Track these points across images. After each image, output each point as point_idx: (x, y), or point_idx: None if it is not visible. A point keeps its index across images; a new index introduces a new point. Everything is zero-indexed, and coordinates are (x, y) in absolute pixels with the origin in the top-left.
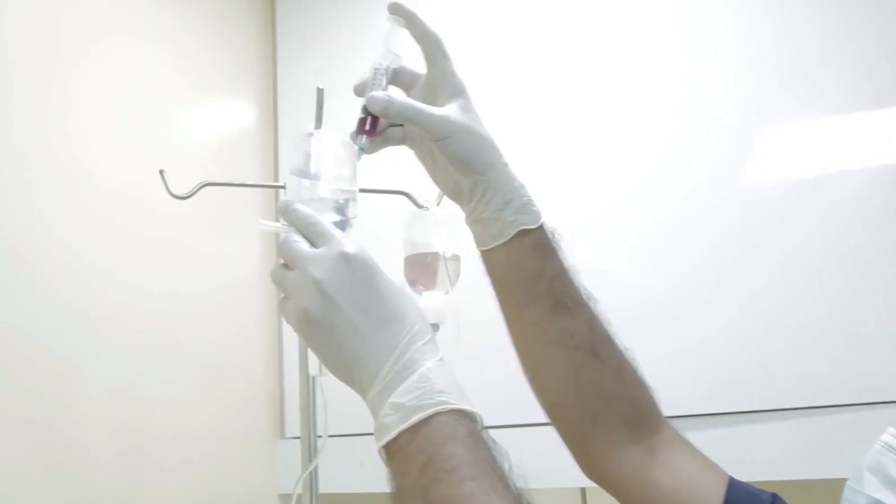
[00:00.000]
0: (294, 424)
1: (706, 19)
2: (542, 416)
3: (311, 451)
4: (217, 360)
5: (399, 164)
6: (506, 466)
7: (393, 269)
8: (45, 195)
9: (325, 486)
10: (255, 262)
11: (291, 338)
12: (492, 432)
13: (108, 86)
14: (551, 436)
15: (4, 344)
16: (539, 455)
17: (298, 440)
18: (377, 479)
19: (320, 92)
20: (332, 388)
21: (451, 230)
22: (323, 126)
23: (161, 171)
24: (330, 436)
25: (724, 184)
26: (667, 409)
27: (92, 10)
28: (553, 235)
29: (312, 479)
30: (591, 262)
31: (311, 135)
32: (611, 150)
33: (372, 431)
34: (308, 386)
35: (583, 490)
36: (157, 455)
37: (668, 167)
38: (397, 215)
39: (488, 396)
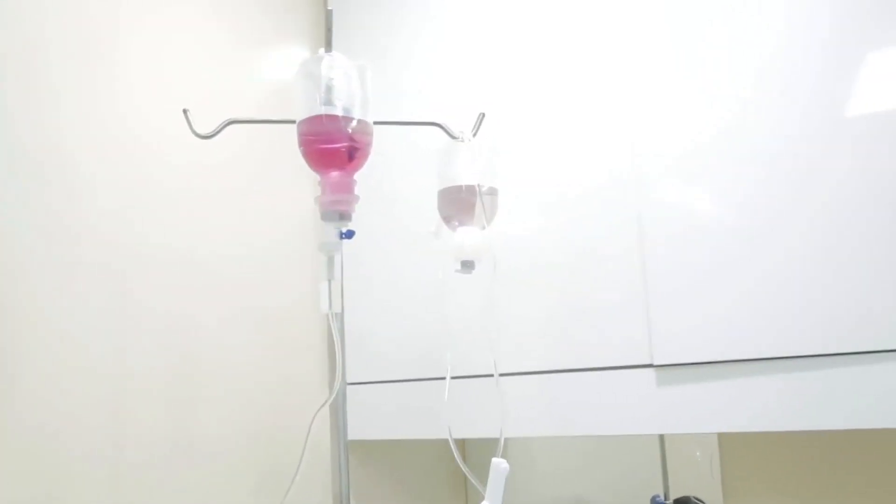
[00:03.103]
0: (355, 372)
1: None
2: (595, 360)
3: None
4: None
5: (431, 93)
6: None
7: (427, 205)
8: (94, 157)
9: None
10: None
11: (350, 291)
12: (535, 378)
13: (154, 43)
14: (607, 380)
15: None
16: (600, 401)
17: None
18: (399, 425)
19: (329, 14)
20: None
21: (487, 162)
22: (333, 49)
23: (185, 111)
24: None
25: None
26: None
27: None
28: None
29: (342, 425)
30: (687, 199)
31: (321, 58)
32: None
33: (393, 379)
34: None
35: (661, 437)
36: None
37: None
38: (431, 147)
39: (526, 336)
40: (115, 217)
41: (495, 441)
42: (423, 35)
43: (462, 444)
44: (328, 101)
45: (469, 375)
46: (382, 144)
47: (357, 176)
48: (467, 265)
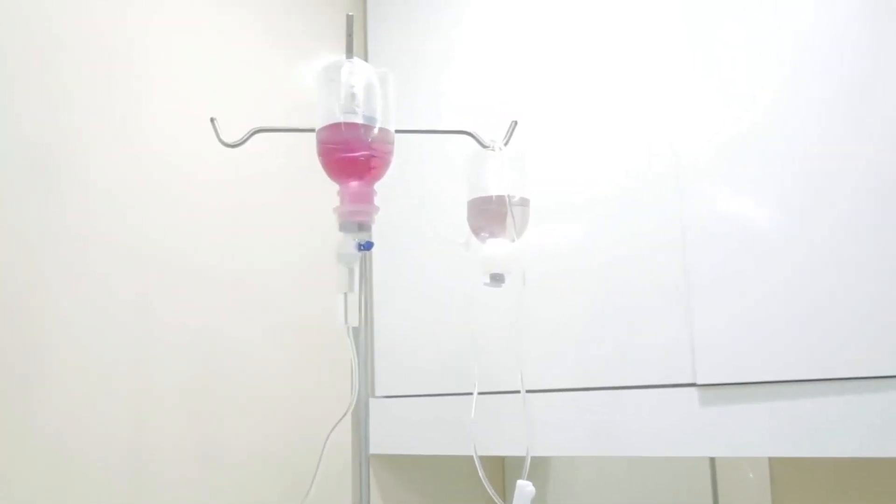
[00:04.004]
0: (384, 385)
1: None
2: (633, 378)
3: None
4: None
5: (461, 101)
6: None
7: (458, 215)
8: (116, 168)
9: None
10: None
11: (380, 303)
12: (570, 395)
13: (185, 52)
14: (647, 399)
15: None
16: (640, 421)
17: (385, 399)
18: (425, 440)
19: (350, 19)
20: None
21: (519, 172)
22: (354, 56)
23: (212, 119)
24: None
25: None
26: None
27: None
28: None
29: (363, 438)
30: (714, 200)
31: (341, 64)
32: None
33: (421, 393)
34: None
35: (712, 460)
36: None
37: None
38: (461, 156)
39: (560, 352)
40: (137, 228)
41: (536, 458)
42: (458, 43)
43: (501, 461)
44: (348, 109)
45: (498, 391)
46: (413, 153)
47: (387, 185)
48: (497, 278)
